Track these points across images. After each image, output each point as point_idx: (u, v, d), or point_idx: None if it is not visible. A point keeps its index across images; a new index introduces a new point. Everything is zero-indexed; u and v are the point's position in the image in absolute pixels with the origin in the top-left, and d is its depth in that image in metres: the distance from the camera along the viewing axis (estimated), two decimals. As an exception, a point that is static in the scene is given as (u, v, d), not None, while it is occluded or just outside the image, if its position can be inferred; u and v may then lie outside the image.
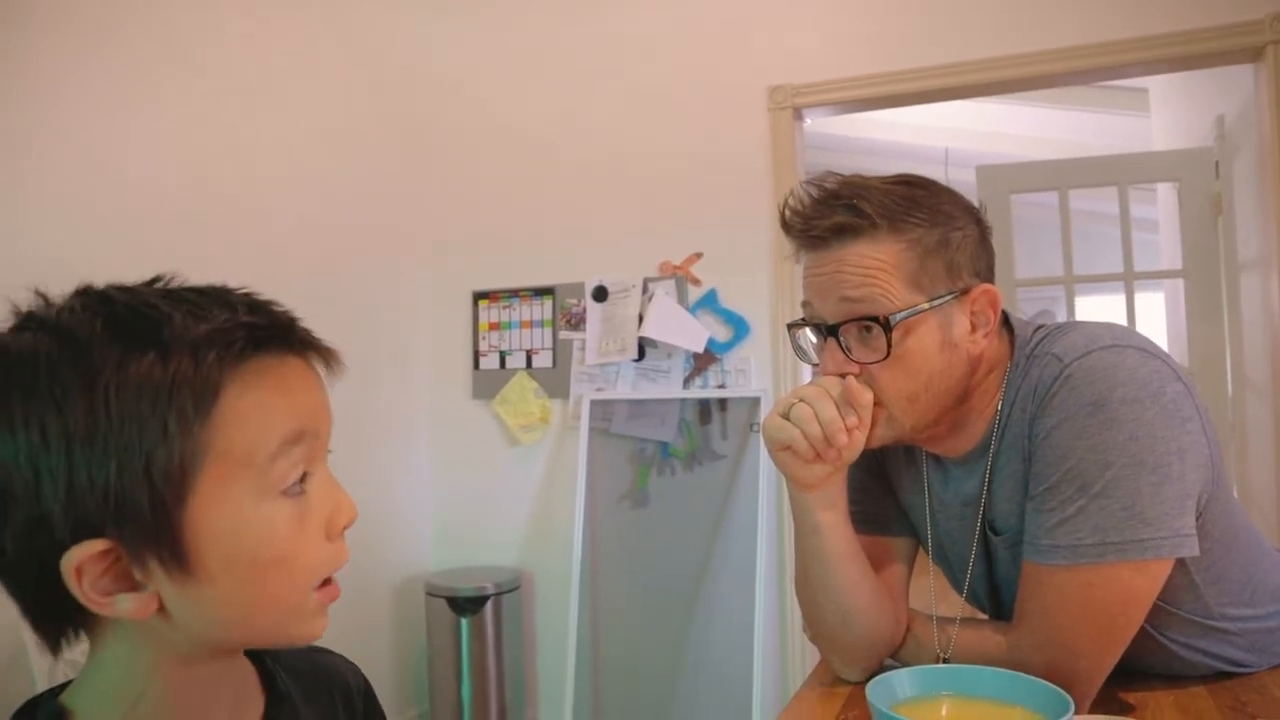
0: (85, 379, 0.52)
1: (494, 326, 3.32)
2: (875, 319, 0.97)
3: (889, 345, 0.97)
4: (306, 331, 0.62)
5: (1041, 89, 2.89)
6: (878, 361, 0.98)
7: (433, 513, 3.39)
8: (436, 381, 3.38)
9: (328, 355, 0.62)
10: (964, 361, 1.01)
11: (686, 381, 3.01)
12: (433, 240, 3.41)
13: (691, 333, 2.97)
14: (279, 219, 2.76)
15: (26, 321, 0.56)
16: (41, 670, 1.92)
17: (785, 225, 1.05)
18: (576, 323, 3.17)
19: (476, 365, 3.34)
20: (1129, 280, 3.12)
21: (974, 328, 1.02)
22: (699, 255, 3.02)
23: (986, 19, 2.69)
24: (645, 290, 3.06)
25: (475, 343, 3.35)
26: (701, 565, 2.96)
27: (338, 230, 2.99)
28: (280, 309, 0.61)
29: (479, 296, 3.35)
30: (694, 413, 2.99)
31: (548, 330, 3.23)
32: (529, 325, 3.26)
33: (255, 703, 0.68)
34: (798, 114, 2.92)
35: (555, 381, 3.20)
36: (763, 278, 2.91)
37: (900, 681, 0.91)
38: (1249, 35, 2.43)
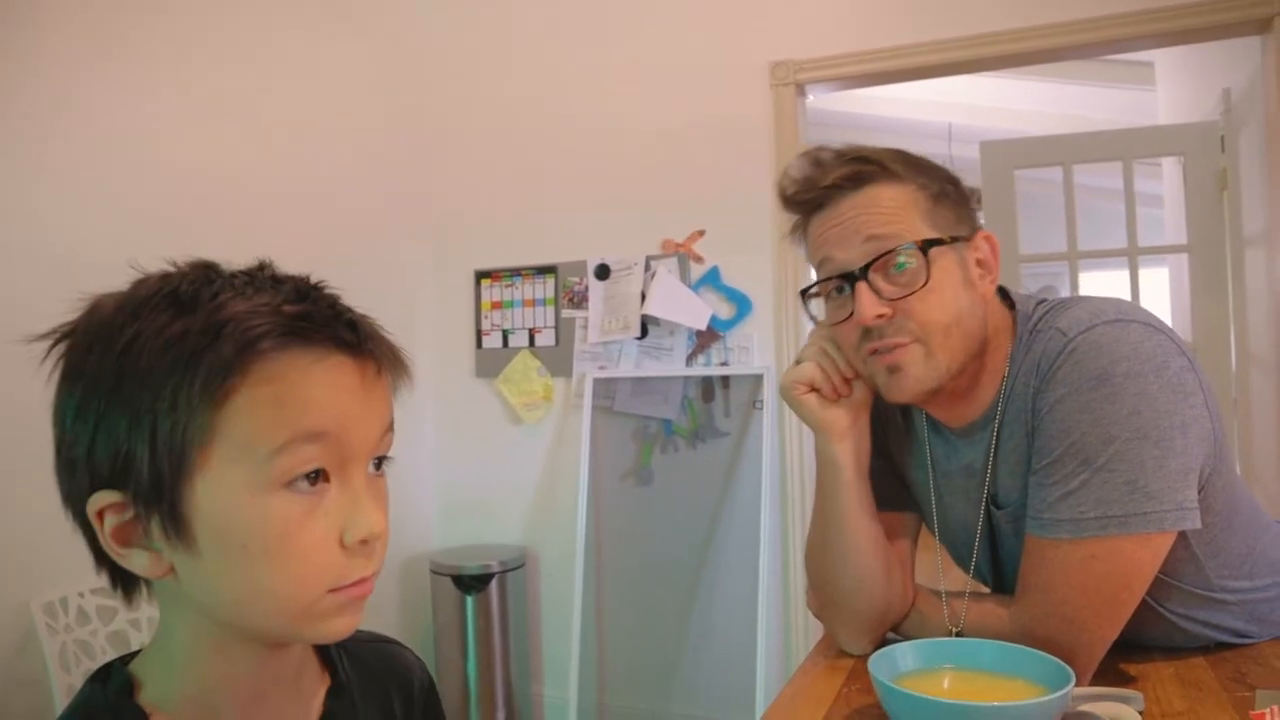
0: (127, 338, 0.55)
1: (496, 305, 3.32)
2: (910, 245, 0.98)
3: (928, 270, 0.98)
4: (362, 331, 0.60)
5: (1046, 63, 2.86)
6: (913, 293, 0.98)
7: (437, 491, 3.41)
8: (439, 361, 3.38)
9: (387, 359, 0.62)
10: (981, 304, 1.04)
11: (689, 359, 3.01)
12: (435, 220, 3.40)
13: (694, 310, 2.97)
14: (283, 200, 2.75)
15: (111, 293, 0.60)
16: (52, 651, 1.93)
17: (788, 197, 1.06)
18: (579, 301, 3.17)
19: (479, 344, 3.34)
20: (1133, 256, 3.11)
21: (982, 272, 1.04)
22: (701, 233, 3.01)
23: (990, -8, 2.66)
24: (648, 268, 3.06)
25: (478, 322, 3.35)
26: (705, 542, 2.97)
27: (340, 211, 2.98)
28: (331, 303, 0.60)
29: (481, 275, 3.34)
30: (697, 390, 2.99)
31: (550, 309, 3.23)
32: (531, 304, 3.26)
33: (317, 690, 0.70)
34: (800, 90, 2.90)
35: (558, 360, 3.20)
36: (765, 255, 2.90)
37: (903, 654, 0.92)
38: (1256, 6, 2.40)
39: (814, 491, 1.16)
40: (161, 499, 0.55)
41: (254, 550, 0.56)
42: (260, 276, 0.60)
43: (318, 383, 0.57)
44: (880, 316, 0.99)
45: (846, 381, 1.09)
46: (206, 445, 0.55)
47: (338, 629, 0.60)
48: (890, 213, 1.00)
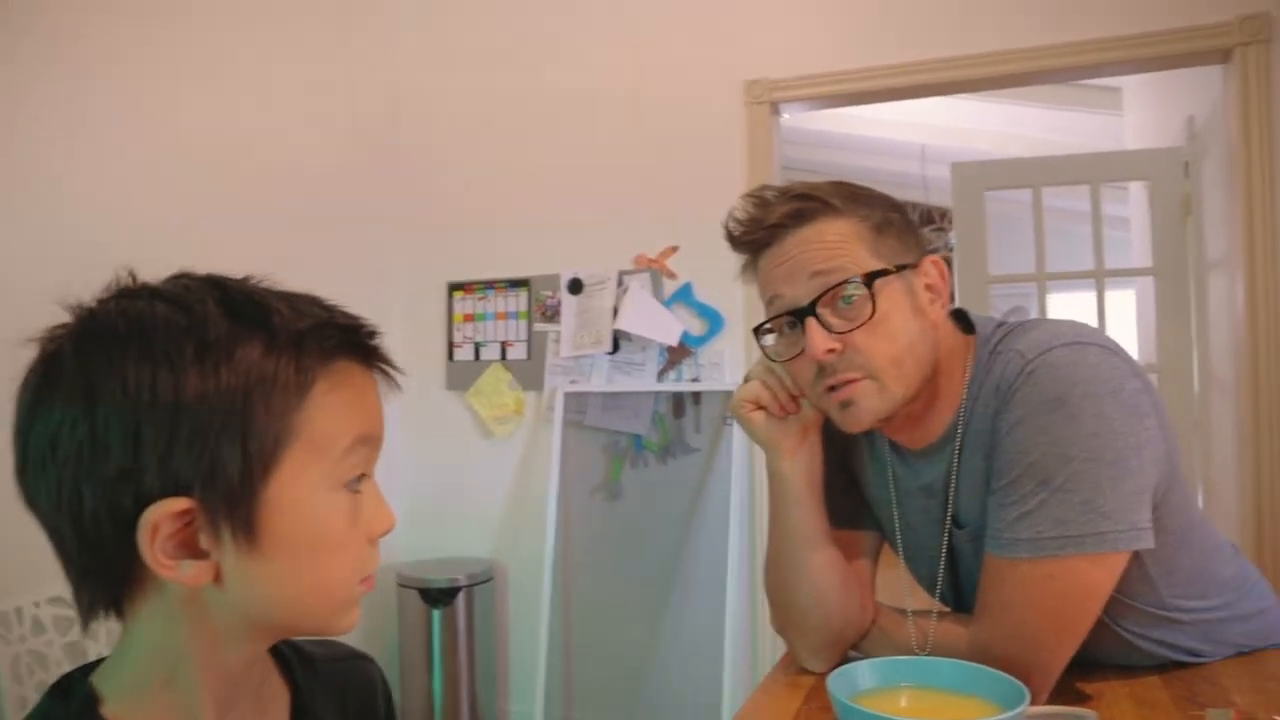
0: (200, 346, 0.56)
1: (469, 318, 3.31)
2: (855, 279, 0.99)
3: (873, 304, 0.99)
4: (382, 348, 0.67)
5: (1015, 87, 2.91)
6: (860, 326, 0.99)
7: (406, 503, 3.38)
8: (410, 372, 3.33)
9: (392, 375, 0.68)
10: (932, 329, 1.05)
11: (660, 375, 3.01)
12: (408, 231, 3.39)
13: (666, 326, 2.98)
14: (256, 209, 2.74)
15: (138, 291, 0.60)
16: (5, 662, 1.90)
17: (734, 238, 1.09)
18: (551, 315, 3.17)
19: (451, 356, 3.33)
20: (1100, 278, 3.15)
21: (931, 297, 1.06)
22: (674, 249, 3.02)
23: (963, 17, 2.71)
24: (620, 283, 3.06)
25: (450, 334, 3.34)
26: (674, 558, 2.97)
27: (314, 220, 2.97)
28: (367, 323, 0.65)
29: (454, 288, 3.34)
30: (668, 406, 3.00)
31: (523, 322, 3.22)
32: (504, 317, 3.25)
33: (280, 695, 0.71)
34: (774, 109, 2.93)
35: (529, 373, 3.20)
36: (738, 272, 2.90)
37: (861, 673, 0.92)
38: (1218, 37, 2.46)
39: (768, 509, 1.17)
40: (242, 500, 0.57)
41: (321, 546, 0.60)
42: (277, 290, 0.63)
43: (365, 392, 0.65)
44: (830, 351, 1.00)
45: (793, 399, 1.10)
46: (290, 445, 0.58)
47: (354, 620, 0.64)
48: (834, 246, 1.01)
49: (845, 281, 0.99)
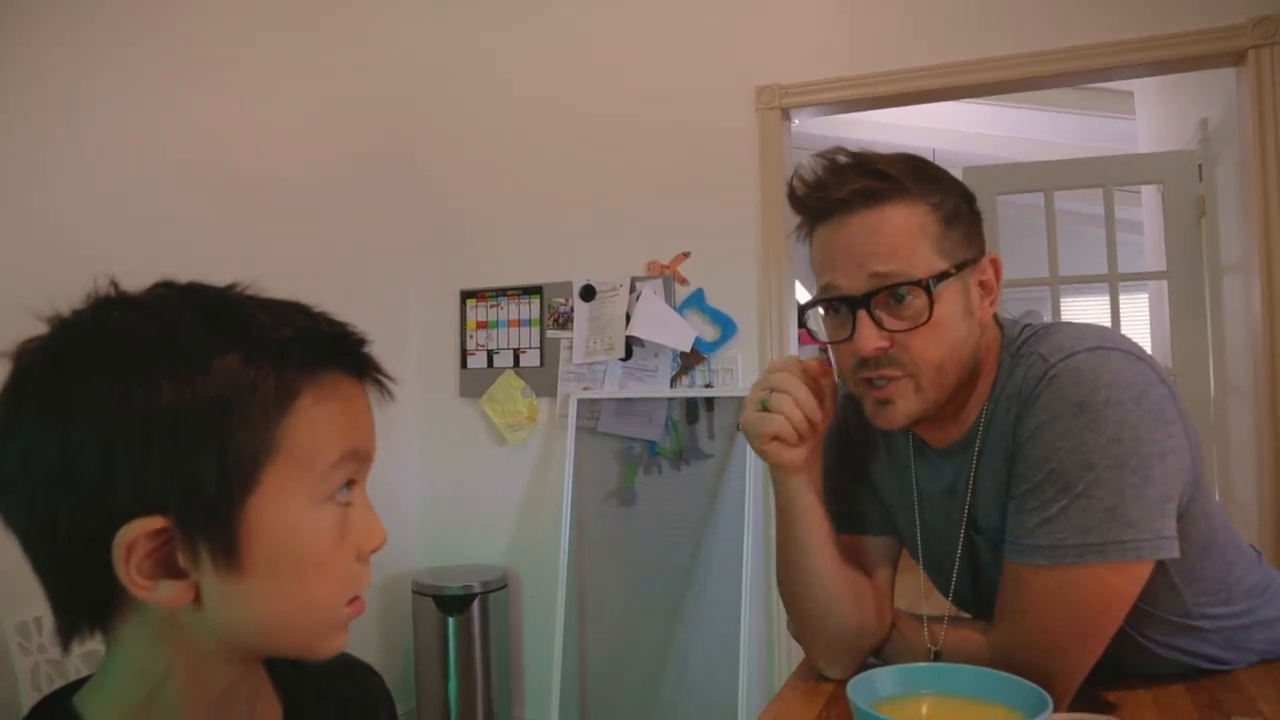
0: (175, 359, 0.53)
1: (481, 325, 3.32)
2: (916, 282, 0.96)
3: (930, 310, 0.96)
4: (373, 357, 0.63)
5: (1027, 91, 2.90)
6: (912, 329, 0.97)
7: (420, 511, 3.39)
8: (424, 380, 3.37)
9: (384, 384, 0.64)
10: (978, 330, 1.02)
11: (673, 381, 3.01)
12: (420, 239, 3.40)
13: (679, 332, 2.98)
14: (272, 216, 2.75)
15: (113, 301, 0.57)
16: (25, 671, 1.91)
17: (796, 199, 1.03)
18: (564, 322, 3.17)
19: (464, 364, 3.34)
20: (1113, 282, 3.14)
21: (982, 294, 1.03)
22: (686, 255, 3.02)
23: (974, 21, 2.70)
24: (633, 289, 3.06)
25: (463, 341, 3.35)
26: (688, 564, 2.96)
27: (327, 229, 2.98)
28: (355, 331, 0.62)
29: (467, 295, 3.34)
30: (681, 412, 3.00)
31: (535, 329, 3.23)
32: (516, 324, 3.26)
33: (272, 709, 0.68)
34: (785, 114, 2.93)
35: (542, 380, 3.20)
36: (750, 278, 2.91)
37: (881, 680, 0.92)
38: (1231, 39, 2.45)
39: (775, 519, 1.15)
40: (220, 519, 0.54)
41: (306, 564, 0.57)
42: (259, 298, 0.60)
43: (354, 405, 0.61)
44: (878, 349, 0.98)
45: (812, 426, 1.06)
46: (271, 461, 0.55)
47: (340, 643, 0.62)
48: (899, 241, 0.97)
49: (905, 283, 0.96)
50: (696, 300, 3.00)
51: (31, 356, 0.55)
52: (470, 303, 3.34)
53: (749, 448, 2.82)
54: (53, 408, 0.53)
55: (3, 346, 0.56)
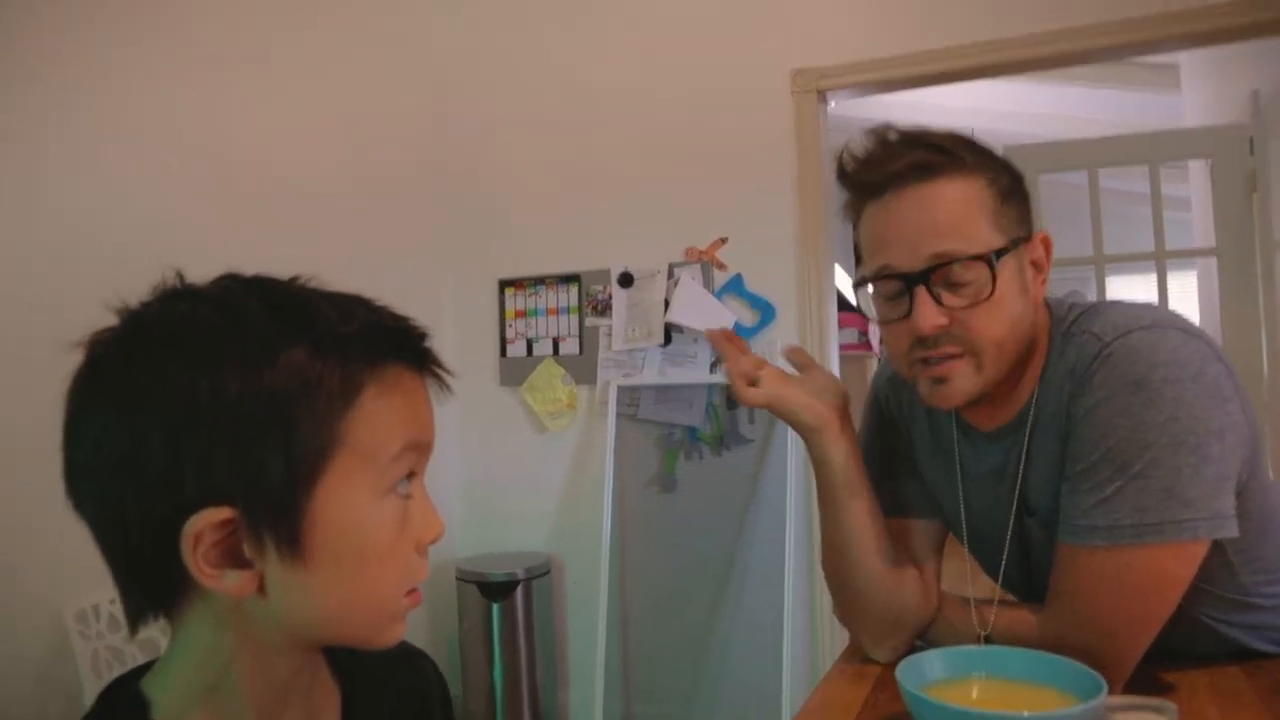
0: (243, 350, 0.54)
1: (520, 314, 3.33)
2: (979, 257, 0.94)
3: (994, 285, 0.94)
4: (433, 350, 0.64)
5: (1070, 66, 2.84)
6: (972, 306, 0.95)
7: (462, 499, 3.42)
8: (464, 369, 3.40)
9: (443, 378, 0.66)
10: (1032, 308, 1.01)
11: (713, 366, 3.01)
12: (458, 229, 3.42)
13: (717, 317, 2.97)
14: (310, 206, 2.78)
15: (180, 293, 0.58)
16: (85, 657, 1.96)
17: (847, 175, 1.01)
18: (603, 309, 3.18)
19: (504, 353, 3.36)
20: (1160, 260, 3.08)
21: (1034, 273, 1.02)
22: (724, 240, 3.01)
23: (1013, -4, 2.65)
24: (671, 276, 3.06)
25: (502, 330, 3.37)
26: (730, 549, 2.96)
27: (365, 217, 3.01)
28: (417, 325, 0.63)
29: (505, 284, 3.36)
30: (721, 397, 2.99)
31: (574, 317, 3.24)
32: (555, 312, 3.27)
33: (330, 696, 0.69)
34: (822, 97, 2.90)
35: (582, 368, 3.21)
36: (788, 262, 2.90)
37: (930, 663, 0.91)
38: (1284, 7, 2.38)
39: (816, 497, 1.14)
40: (285, 510, 0.55)
41: (369, 555, 0.58)
42: (323, 291, 0.61)
43: (416, 398, 0.62)
44: (938, 326, 0.96)
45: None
46: (335, 453, 0.56)
47: (399, 633, 0.62)
48: (956, 217, 0.95)
49: (968, 258, 0.94)
50: (735, 285, 2.99)
51: (103, 347, 0.56)
52: (509, 291, 3.36)
53: (789, 431, 2.81)
54: (123, 396, 0.54)
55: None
